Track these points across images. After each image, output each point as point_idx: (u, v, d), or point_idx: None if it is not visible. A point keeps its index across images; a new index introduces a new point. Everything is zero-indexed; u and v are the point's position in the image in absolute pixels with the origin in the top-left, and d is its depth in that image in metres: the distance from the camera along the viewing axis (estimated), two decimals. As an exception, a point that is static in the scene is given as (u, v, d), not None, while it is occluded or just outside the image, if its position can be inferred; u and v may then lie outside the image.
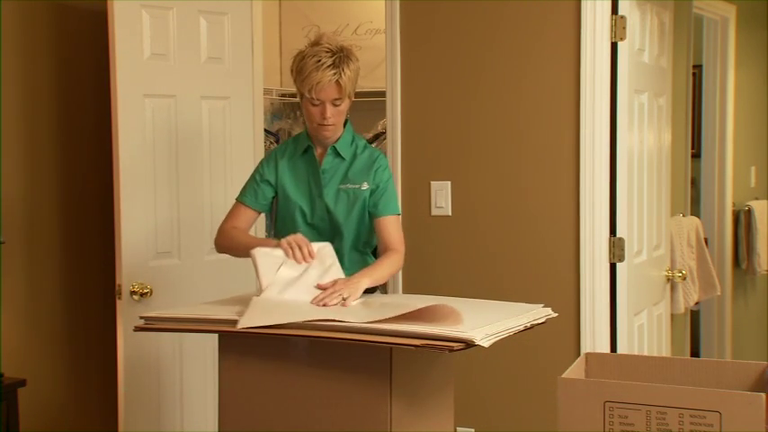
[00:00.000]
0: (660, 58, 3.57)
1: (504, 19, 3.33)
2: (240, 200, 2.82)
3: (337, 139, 2.75)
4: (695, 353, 5.07)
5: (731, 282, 5.12)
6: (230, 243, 2.74)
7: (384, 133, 3.83)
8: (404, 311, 2.18)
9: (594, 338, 3.19)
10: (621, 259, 3.19)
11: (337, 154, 2.75)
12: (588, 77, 3.17)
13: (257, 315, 2.28)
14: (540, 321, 2.37)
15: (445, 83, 3.45)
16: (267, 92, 4.22)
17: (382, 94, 3.62)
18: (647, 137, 3.44)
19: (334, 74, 2.59)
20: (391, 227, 2.73)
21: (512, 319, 2.25)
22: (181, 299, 3.27)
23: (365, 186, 2.73)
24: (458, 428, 3.40)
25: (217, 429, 2.49)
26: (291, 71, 2.70)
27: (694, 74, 4.93)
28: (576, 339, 3.22)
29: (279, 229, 2.82)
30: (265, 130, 4.05)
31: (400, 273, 3.48)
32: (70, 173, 3.58)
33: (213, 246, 3.58)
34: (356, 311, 2.29)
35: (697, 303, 4.55)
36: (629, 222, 3.24)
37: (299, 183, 2.77)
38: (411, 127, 3.52)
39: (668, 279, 3.74)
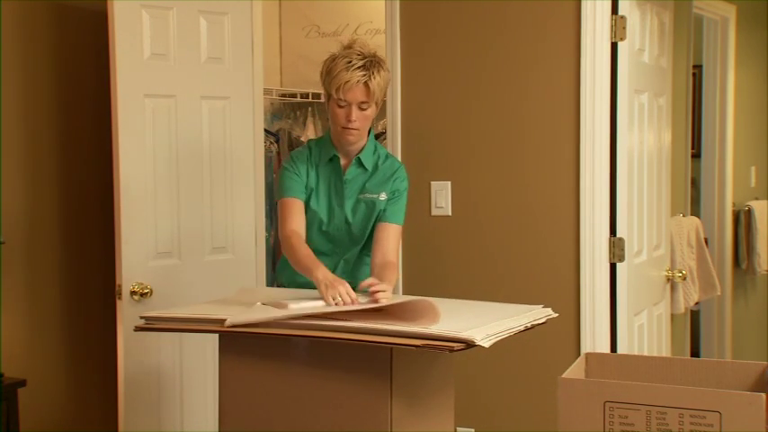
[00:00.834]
0: (660, 58, 3.57)
1: (504, 19, 3.33)
2: (287, 195, 2.73)
3: (361, 149, 2.74)
4: (695, 353, 5.07)
5: (731, 282, 5.12)
6: (292, 258, 2.63)
7: (384, 133, 3.83)
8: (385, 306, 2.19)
9: (594, 338, 3.19)
10: (621, 259, 3.19)
11: (360, 164, 2.75)
12: (588, 77, 3.17)
13: (246, 314, 2.29)
14: (540, 321, 2.37)
15: (445, 83, 3.45)
16: (267, 92, 4.22)
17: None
18: (647, 137, 3.44)
19: (364, 75, 2.58)
20: (393, 236, 2.74)
21: (512, 320, 2.26)
22: (181, 299, 3.27)
23: (383, 197, 2.74)
24: (458, 428, 3.40)
25: (217, 429, 2.49)
26: (321, 73, 2.67)
27: (694, 74, 4.93)
28: (576, 339, 3.22)
29: None
30: (265, 130, 4.05)
31: (400, 273, 3.49)
32: (70, 173, 3.58)
33: (213, 246, 3.60)
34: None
35: (697, 303, 4.55)
36: (629, 222, 3.24)
37: (322, 191, 2.77)
38: (411, 127, 3.52)
39: (668, 279, 3.74)
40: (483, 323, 2.15)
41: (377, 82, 2.60)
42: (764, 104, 5.53)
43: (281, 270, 2.94)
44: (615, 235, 3.19)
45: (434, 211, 3.47)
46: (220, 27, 3.53)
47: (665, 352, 3.73)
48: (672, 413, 1.75)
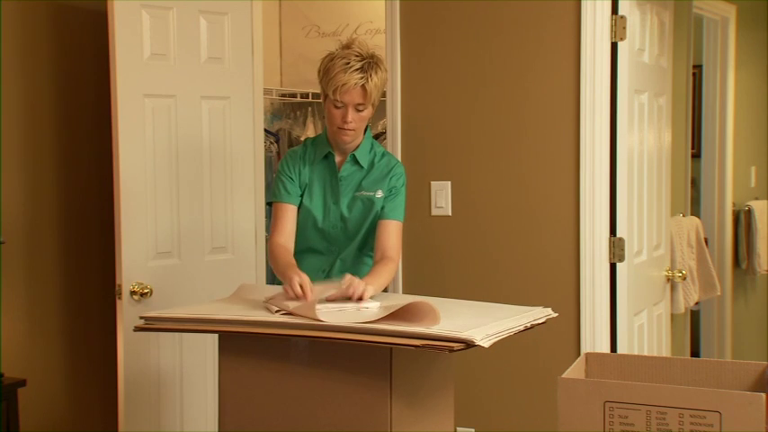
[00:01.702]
0: (660, 58, 3.57)
1: (504, 19, 3.33)
2: (277, 200, 2.77)
3: (357, 147, 2.75)
4: (695, 353, 5.07)
5: (731, 282, 5.12)
6: (275, 267, 2.66)
7: (384, 133, 3.83)
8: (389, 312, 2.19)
9: (594, 338, 3.19)
10: (621, 259, 3.19)
11: (356, 161, 2.75)
12: (588, 77, 3.17)
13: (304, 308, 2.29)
14: (540, 321, 2.37)
15: (445, 83, 3.45)
16: (267, 92, 4.22)
17: (382, 94, 3.61)
18: (647, 137, 3.44)
19: (361, 78, 2.58)
20: (393, 232, 2.74)
21: (512, 320, 2.26)
22: (181, 299, 3.27)
23: (379, 194, 2.74)
24: (458, 428, 3.40)
25: (217, 429, 2.49)
26: (318, 71, 2.68)
27: (694, 74, 4.93)
28: (576, 339, 3.22)
29: None
30: (265, 130, 4.05)
31: (400, 273, 3.49)
32: (70, 173, 3.58)
33: (213, 245, 3.60)
34: (348, 314, 2.31)
35: (697, 303, 4.55)
36: (629, 222, 3.24)
37: (317, 188, 2.77)
38: (411, 127, 3.52)
39: (668, 279, 3.74)
40: (483, 323, 2.15)
41: (374, 83, 2.60)
42: (764, 104, 5.52)
43: None
44: (615, 235, 3.19)
45: (434, 211, 3.47)
46: (220, 27, 3.53)
47: (665, 352, 3.73)
48: (672, 413, 1.75)
